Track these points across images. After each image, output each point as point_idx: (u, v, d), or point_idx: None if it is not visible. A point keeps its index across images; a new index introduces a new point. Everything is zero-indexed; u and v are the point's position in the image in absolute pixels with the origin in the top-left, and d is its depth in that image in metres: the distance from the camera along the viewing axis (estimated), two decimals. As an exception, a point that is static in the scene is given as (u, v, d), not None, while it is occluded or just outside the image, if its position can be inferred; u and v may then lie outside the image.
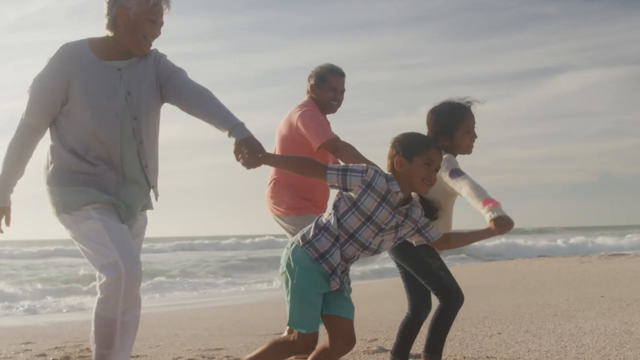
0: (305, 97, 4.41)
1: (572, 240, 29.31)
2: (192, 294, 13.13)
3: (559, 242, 29.15)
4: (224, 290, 13.63)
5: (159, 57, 3.13)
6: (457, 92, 6.52)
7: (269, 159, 3.06)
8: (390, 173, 2.95)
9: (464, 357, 4.14)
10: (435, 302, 3.40)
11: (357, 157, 3.95)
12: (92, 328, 2.95)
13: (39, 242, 32.58)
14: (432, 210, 3.03)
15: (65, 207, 2.96)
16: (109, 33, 3.04)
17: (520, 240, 28.08)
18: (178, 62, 3.19)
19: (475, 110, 3.43)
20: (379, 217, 2.86)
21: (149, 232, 3.33)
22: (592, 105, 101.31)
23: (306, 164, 3.06)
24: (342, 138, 4.16)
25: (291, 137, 4.22)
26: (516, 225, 3.11)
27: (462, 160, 3.35)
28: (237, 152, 2.97)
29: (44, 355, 4.84)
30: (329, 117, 4.44)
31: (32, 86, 2.99)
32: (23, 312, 9.95)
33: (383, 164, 3.03)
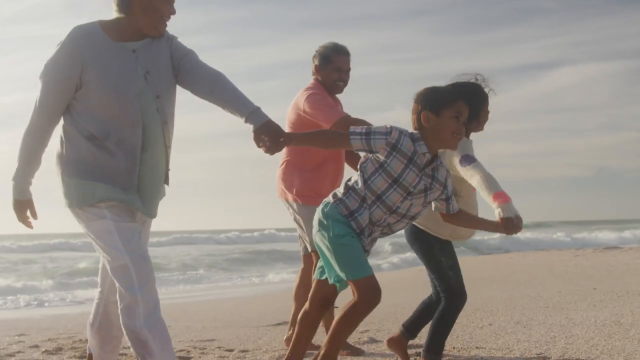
0: (311, 79, 4.31)
1: (570, 234, 29.32)
2: (188, 287, 13.17)
3: (558, 234, 29.17)
4: (221, 284, 13.65)
5: (171, 39, 3.01)
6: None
7: (290, 139, 2.97)
8: (415, 131, 2.89)
9: (454, 348, 4.16)
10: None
11: None
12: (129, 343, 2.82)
13: (38, 236, 32.52)
14: None
15: (78, 201, 2.83)
16: (121, 15, 2.89)
17: (518, 235, 27.88)
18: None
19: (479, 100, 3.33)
20: (406, 179, 2.81)
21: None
22: (589, 100, 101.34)
23: (328, 136, 3.07)
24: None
25: (299, 122, 4.13)
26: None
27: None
28: (257, 139, 2.84)
29: (36, 346, 4.86)
30: (339, 96, 4.34)
31: (44, 72, 2.82)
32: (17, 304, 9.97)
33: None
